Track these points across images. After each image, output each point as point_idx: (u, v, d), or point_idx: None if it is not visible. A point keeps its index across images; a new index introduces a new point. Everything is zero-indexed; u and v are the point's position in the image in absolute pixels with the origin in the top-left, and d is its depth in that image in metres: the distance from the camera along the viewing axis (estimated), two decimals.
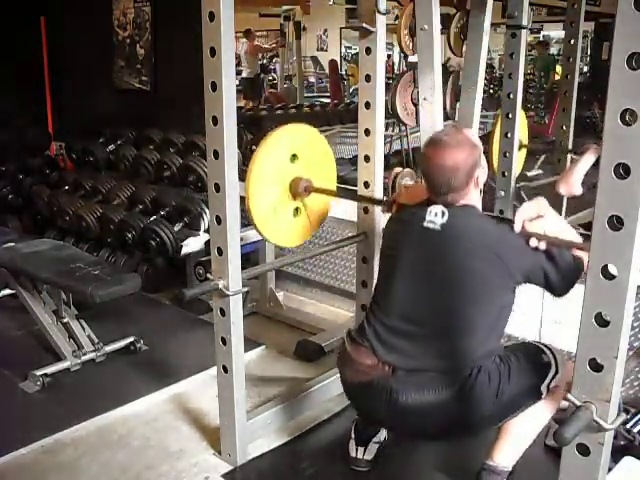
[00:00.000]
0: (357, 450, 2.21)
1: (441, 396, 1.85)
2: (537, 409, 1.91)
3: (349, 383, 2.04)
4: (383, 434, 2.27)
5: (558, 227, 1.85)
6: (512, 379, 1.86)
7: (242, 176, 2.09)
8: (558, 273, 1.82)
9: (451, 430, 1.93)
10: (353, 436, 2.23)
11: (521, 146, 3.63)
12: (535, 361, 1.91)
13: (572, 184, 2.93)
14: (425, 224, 1.90)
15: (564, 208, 3.61)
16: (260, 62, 9.62)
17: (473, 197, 1.93)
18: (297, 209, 2.38)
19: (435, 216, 1.89)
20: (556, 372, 1.89)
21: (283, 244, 2.41)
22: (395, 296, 1.96)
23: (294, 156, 2.31)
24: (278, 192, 2.29)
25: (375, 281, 2.28)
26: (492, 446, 2.01)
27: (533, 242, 1.81)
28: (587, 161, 2.82)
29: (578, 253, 1.82)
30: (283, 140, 2.31)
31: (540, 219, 1.85)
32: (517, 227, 1.84)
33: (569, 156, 3.69)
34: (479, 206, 1.97)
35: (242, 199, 2.09)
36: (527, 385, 1.88)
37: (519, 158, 3.63)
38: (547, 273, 1.83)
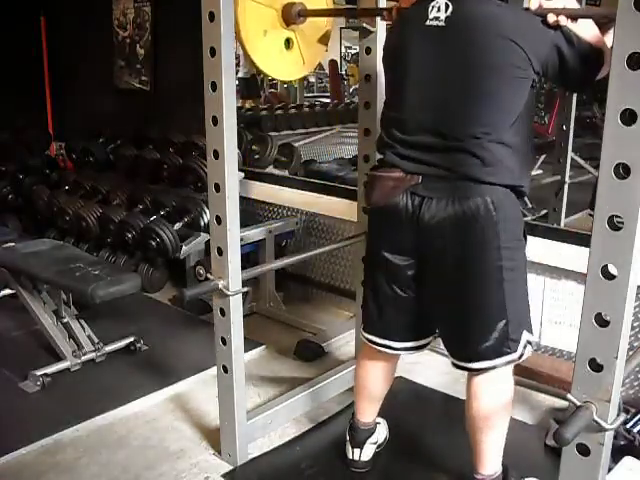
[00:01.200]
0: (353, 452, 2.20)
1: (471, 206, 1.73)
2: (498, 417, 1.89)
3: (378, 209, 1.91)
4: (380, 435, 2.26)
5: (578, 7, 1.72)
6: (522, 281, 1.83)
7: (243, 186, 2.04)
8: (576, 56, 1.68)
9: (466, 271, 1.80)
10: (348, 438, 2.22)
11: None
12: (528, 309, 1.88)
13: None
14: (428, 22, 1.74)
15: (564, 208, 3.62)
16: None
17: None
18: (289, 40, 2.26)
19: (438, 11, 1.72)
20: (532, 343, 1.86)
21: (276, 75, 2.32)
22: (409, 109, 1.82)
23: None
24: (269, 14, 2.16)
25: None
26: (473, 461, 1.97)
27: (551, 17, 1.66)
28: None
29: (598, 42, 1.69)
30: None
31: None
32: (534, 5, 1.70)
33: (569, 156, 3.68)
34: None
35: (242, 199, 2.09)
36: (524, 304, 1.85)
37: None
38: (564, 55, 1.68)
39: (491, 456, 1.95)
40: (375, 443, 2.23)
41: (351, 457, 2.21)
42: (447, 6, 1.72)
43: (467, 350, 1.88)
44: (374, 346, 2.05)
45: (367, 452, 2.21)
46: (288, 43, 2.27)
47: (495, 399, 1.89)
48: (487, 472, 1.95)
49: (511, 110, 1.74)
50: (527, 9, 1.72)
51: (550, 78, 1.77)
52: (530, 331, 1.88)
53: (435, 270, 1.87)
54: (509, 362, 1.84)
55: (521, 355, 1.84)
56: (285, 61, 2.30)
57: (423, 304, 1.94)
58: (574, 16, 1.69)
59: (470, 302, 1.83)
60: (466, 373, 1.94)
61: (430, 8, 1.75)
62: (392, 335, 2.02)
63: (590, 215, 3.26)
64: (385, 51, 1.98)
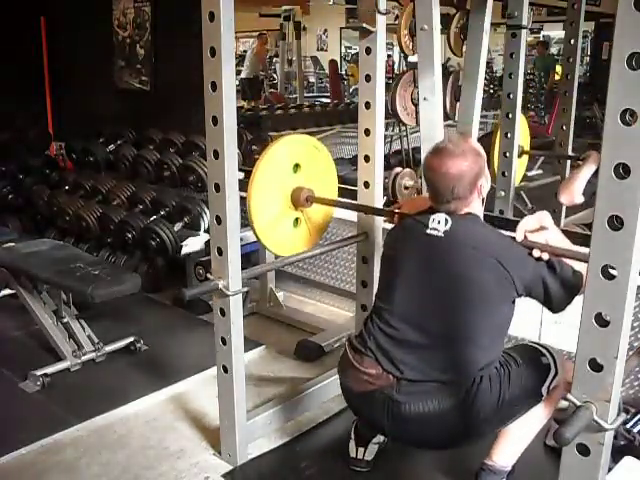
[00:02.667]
0: (357, 451, 2.21)
1: (444, 406, 1.85)
2: (536, 410, 1.92)
3: (351, 392, 2.04)
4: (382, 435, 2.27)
5: (560, 240, 1.86)
6: (513, 384, 1.86)
7: (243, 186, 2.10)
8: (558, 285, 1.83)
9: (453, 438, 1.92)
10: (353, 437, 2.23)
11: (522, 152, 3.63)
12: (535, 363, 1.91)
13: (574, 193, 2.94)
14: (428, 231, 1.91)
15: (564, 208, 3.61)
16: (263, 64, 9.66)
17: (476, 206, 1.94)
18: (297, 220, 2.41)
19: (438, 224, 1.90)
20: (556, 373, 1.89)
21: (283, 254, 2.43)
22: (397, 305, 1.95)
23: (297, 166, 2.35)
24: (280, 201, 2.32)
25: (375, 283, 2.31)
26: (491, 446, 2.01)
27: (536, 252, 1.83)
28: (588, 169, 2.82)
29: (578, 267, 1.82)
30: (286, 150, 2.35)
31: (542, 231, 1.87)
32: (519, 237, 1.86)
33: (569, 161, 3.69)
34: (481, 215, 1.98)
35: (242, 199, 2.09)
36: (528, 388, 1.88)
37: (520, 164, 3.63)
38: (547, 284, 1.83)
39: (511, 450, 1.99)
40: (378, 443, 2.24)
41: (354, 456, 2.22)
42: (447, 221, 1.89)
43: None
44: None
45: (370, 451, 2.22)
46: (296, 221, 2.42)
47: (531, 426, 1.96)
48: (500, 462, 1.99)
49: (492, 322, 1.88)
50: (513, 239, 1.87)
51: (533, 298, 1.89)
52: (545, 378, 1.90)
53: (416, 442, 2.04)
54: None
55: (546, 396, 1.90)
56: (294, 238, 2.44)
57: None
58: (556, 254, 1.83)
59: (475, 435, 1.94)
60: None
61: (431, 220, 1.92)
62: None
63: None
64: (385, 247, 2.13)
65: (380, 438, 2.24)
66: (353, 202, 2.57)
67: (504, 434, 1.97)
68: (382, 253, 2.15)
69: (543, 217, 1.89)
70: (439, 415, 1.86)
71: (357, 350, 2.00)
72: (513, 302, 1.89)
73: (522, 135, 3.58)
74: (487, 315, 1.86)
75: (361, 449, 2.21)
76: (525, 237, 1.86)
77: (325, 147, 2.56)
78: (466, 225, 1.90)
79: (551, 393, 1.90)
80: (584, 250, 1.78)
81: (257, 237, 2.31)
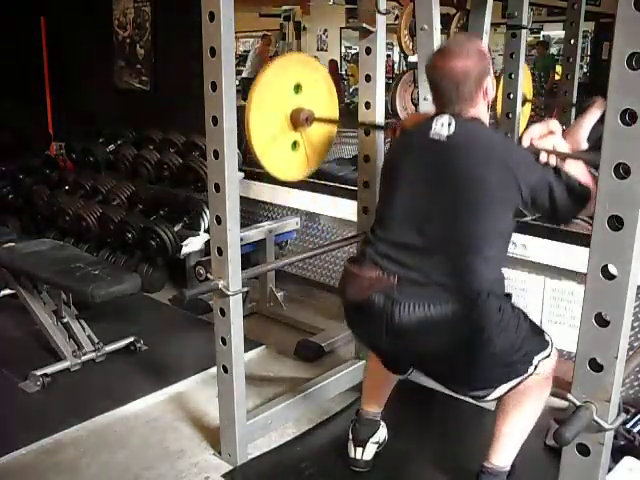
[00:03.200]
0: (355, 451, 2.21)
1: (446, 311, 1.75)
2: (526, 405, 1.91)
3: (351, 303, 1.94)
4: (381, 435, 2.27)
5: (572, 138, 1.81)
6: (519, 326, 1.83)
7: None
8: (565, 193, 1.76)
9: (450, 355, 1.82)
10: (351, 437, 2.23)
11: (525, 101, 3.58)
12: (539, 332, 1.90)
13: (578, 140, 2.87)
14: (431, 135, 1.83)
15: None
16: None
17: (481, 110, 1.86)
18: (296, 142, 2.34)
19: (442, 126, 1.82)
20: (549, 355, 1.87)
21: (281, 176, 2.37)
22: (397, 209, 1.88)
23: (297, 87, 2.29)
24: (278, 120, 2.25)
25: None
26: (487, 448, 2.00)
27: (543, 156, 1.76)
28: (592, 116, 2.76)
29: (586, 181, 1.76)
30: (288, 68, 2.28)
31: (550, 136, 1.80)
32: (526, 142, 1.80)
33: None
34: (486, 121, 1.91)
35: (242, 199, 2.09)
36: (527, 342, 1.85)
37: (524, 113, 3.56)
38: (553, 190, 1.76)
39: (507, 450, 1.98)
40: (377, 443, 2.24)
41: (353, 456, 2.21)
42: (450, 124, 1.81)
43: (474, 395, 1.93)
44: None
45: (369, 451, 2.22)
46: (295, 145, 2.36)
47: (523, 405, 1.93)
48: (498, 463, 1.98)
49: (494, 227, 1.81)
50: (519, 144, 1.83)
51: (537, 209, 1.83)
52: (541, 350, 1.88)
53: (418, 361, 1.99)
54: (520, 382, 1.86)
55: (533, 371, 1.86)
56: (292, 163, 2.39)
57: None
58: (563, 157, 1.78)
59: (466, 374, 1.87)
60: None
61: (435, 122, 1.84)
62: (393, 372, 2.18)
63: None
64: (386, 157, 2.08)
65: (378, 438, 2.24)
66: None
67: (498, 434, 1.96)
68: (384, 162, 2.07)
69: (551, 123, 1.83)
70: (440, 322, 1.76)
71: (356, 261, 1.95)
72: (516, 210, 1.80)
73: (525, 85, 3.53)
74: (490, 220, 1.80)
75: (359, 449, 2.21)
76: (532, 144, 1.80)
77: (326, 69, 2.50)
78: (471, 127, 1.83)
79: (541, 385, 1.89)
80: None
81: (256, 158, 2.23)
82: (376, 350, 2.10)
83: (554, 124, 1.84)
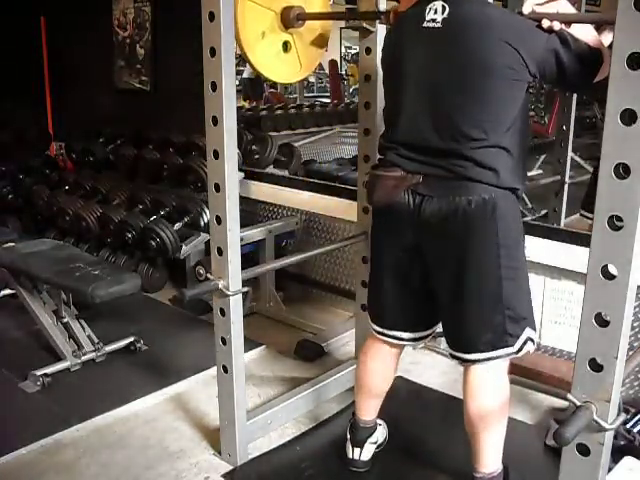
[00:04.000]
0: (353, 451, 2.20)
1: (470, 203, 1.75)
2: (494, 416, 1.89)
3: (380, 205, 1.94)
4: (380, 435, 2.26)
5: (573, 11, 1.74)
6: (523, 272, 1.85)
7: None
8: (573, 59, 1.68)
9: (462, 266, 1.81)
10: (349, 437, 2.22)
11: None
12: (531, 307, 1.91)
13: None
14: (425, 24, 1.76)
15: (564, 208, 3.62)
16: None
17: None
18: (287, 43, 2.28)
19: (435, 13, 1.74)
20: (534, 340, 1.88)
21: (271, 76, 2.33)
22: (408, 111, 1.84)
23: None
24: (268, 17, 2.19)
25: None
26: (472, 458, 1.97)
27: (545, 22, 1.68)
28: None
29: (595, 43, 1.70)
30: None
31: (553, 2, 1.72)
32: (527, 9, 1.71)
33: (569, 156, 3.69)
34: None
35: (242, 199, 2.09)
36: (524, 303, 1.87)
37: None
38: (560, 58, 1.68)
39: (490, 454, 1.95)
40: (375, 443, 2.24)
41: (351, 456, 2.21)
42: (444, 8, 1.74)
43: (465, 341, 1.89)
44: (383, 337, 2.08)
45: (367, 452, 2.21)
46: (286, 46, 2.29)
47: (491, 397, 1.90)
48: (486, 470, 1.95)
49: (507, 113, 1.75)
50: (520, 13, 1.73)
51: (548, 80, 1.78)
52: (533, 328, 1.89)
53: (436, 265, 1.90)
54: (506, 355, 1.86)
55: (519, 350, 1.85)
56: (282, 64, 2.32)
57: (426, 297, 1.97)
58: (568, 21, 1.70)
59: (469, 296, 1.84)
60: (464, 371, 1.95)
61: (427, 10, 1.77)
62: (399, 326, 2.05)
63: (582, 216, 3.22)
64: (383, 53, 2.00)
65: (376, 438, 2.23)
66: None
67: (476, 442, 1.93)
68: (382, 59, 2.02)
69: None
70: (464, 216, 1.76)
71: (378, 166, 1.96)
72: (528, 90, 1.75)
73: None
74: (500, 105, 1.74)
75: (357, 449, 2.20)
76: (533, 10, 1.71)
77: None
78: (466, 8, 1.74)
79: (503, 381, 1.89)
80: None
81: (242, 52, 2.17)
82: (395, 262, 1.99)
83: None
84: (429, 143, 1.80)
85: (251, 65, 2.25)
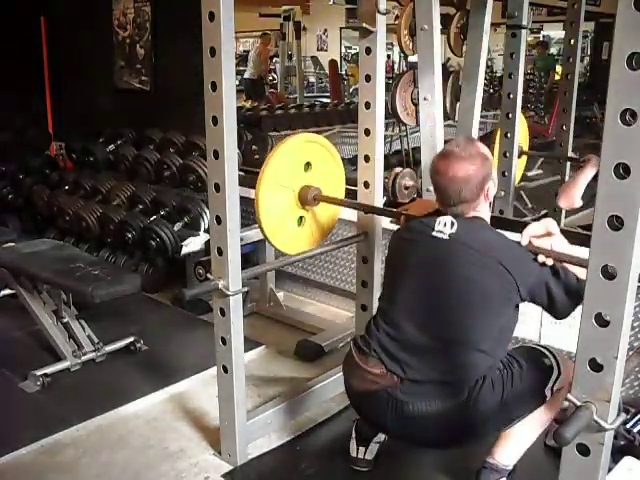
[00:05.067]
0: (358, 450, 2.21)
1: (447, 406, 1.86)
2: (540, 411, 1.92)
3: (355, 391, 2.04)
4: (382, 435, 2.26)
5: (565, 247, 1.86)
6: (515, 385, 1.87)
7: (243, 184, 2.10)
8: (562, 292, 1.82)
9: (455, 438, 1.94)
10: (354, 436, 2.23)
11: (521, 153, 3.62)
12: (538, 365, 1.91)
13: (573, 197, 2.95)
14: (434, 234, 1.91)
15: (564, 209, 3.61)
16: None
17: (483, 209, 1.95)
18: (302, 218, 2.43)
19: (444, 226, 1.90)
20: (559, 374, 1.89)
21: (287, 251, 2.44)
22: (399, 305, 1.96)
23: (307, 164, 2.38)
24: (287, 198, 2.34)
25: (375, 283, 2.33)
26: (494, 444, 2.01)
27: (540, 258, 1.83)
28: (588, 174, 2.83)
29: (583, 276, 1.81)
30: (299, 147, 2.38)
31: (547, 237, 1.86)
32: (524, 241, 1.86)
33: (569, 156, 3.69)
34: (488, 219, 1.99)
35: (242, 199, 2.09)
36: (531, 390, 1.88)
37: (519, 164, 3.62)
38: (551, 290, 1.83)
39: (515, 448, 2.00)
40: (379, 442, 2.24)
41: (355, 455, 2.22)
42: (452, 224, 1.90)
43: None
44: None
45: (372, 451, 2.23)
46: (301, 220, 2.44)
47: (534, 429, 1.98)
48: (503, 461, 2.00)
49: (494, 327, 1.88)
50: (518, 244, 1.87)
51: (537, 304, 1.89)
52: (548, 378, 1.90)
53: (417, 443, 2.07)
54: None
55: (550, 396, 1.90)
56: (297, 237, 2.45)
57: None
58: (561, 261, 1.83)
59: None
60: None
61: (437, 222, 1.92)
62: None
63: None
64: (391, 245, 2.12)
65: (381, 437, 2.24)
66: (360, 203, 2.57)
67: (507, 433, 1.97)
68: (387, 255, 2.15)
69: (549, 224, 1.89)
70: (442, 415, 1.87)
71: (362, 350, 2.00)
72: (516, 307, 1.89)
73: (521, 135, 3.58)
74: (490, 318, 1.87)
75: (362, 448, 2.21)
76: (530, 242, 1.86)
77: (335, 150, 2.57)
78: (472, 228, 1.90)
79: (555, 394, 1.89)
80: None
81: (263, 233, 2.32)
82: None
83: (551, 224, 1.89)
84: (413, 341, 1.90)
85: (271, 244, 2.40)
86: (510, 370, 1.88)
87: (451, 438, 1.94)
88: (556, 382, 1.88)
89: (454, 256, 1.88)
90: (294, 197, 2.38)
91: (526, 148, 3.73)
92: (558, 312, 1.88)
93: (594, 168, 2.64)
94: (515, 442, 1.98)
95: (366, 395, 1.98)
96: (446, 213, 1.92)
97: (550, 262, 1.83)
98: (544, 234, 1.87)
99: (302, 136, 2.48)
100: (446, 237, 1.89)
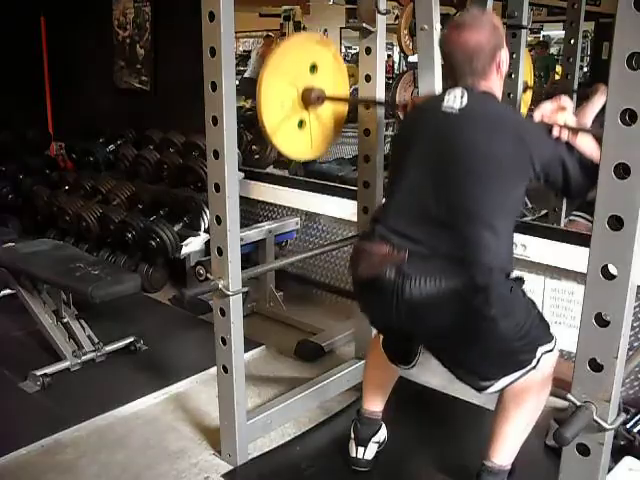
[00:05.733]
0: (357, 450, 2.21)
1: (456, 285, 1.74)
2: (527, 404, 1.92)
3: (363, 280, 1.91)
4: (382, 435, 2.27)
5: (579, 120, 1.81)
6: (528, 312, 1.85)
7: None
8: (577, 168, 1.75)
9: (456, 334, 1.81)
10: (352, 436, 2.23)
11: (526, 88, 3.58)
12: (545, 324, 1.91)
13: (584, 122, 2.88)
14: (443, 108, 1.83)
15: (564, 207, 3.61)
16: None
17: (495, 85, 1.87)
18: (302, 122, 2.33)
19: (454, 99, 1.81)
20: (552, 349, 1.88)
21: (289, 154, 2.38)
22: (408, 185, 1.87)
23: (314, 67, 2.31)
24: (291, 95, 2.27)
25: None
26: (488, 446, 1.99)
27: (555, 131, 1.77)
28: (596, 104, 2.77)
29: (598, 156, 1.78)
30: (305, 44, 2.31)
31: (561, 112, 1.81)
32: (537, 117, 1.81)
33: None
34: (499, 96, 1.91)
35: (242, 199, 2.09)
36: (533, 331, 1.85)
37: (524, 100, 3.57)
38: (566, 166, 1.75)
39: (509, 448, 1.97)
40: (378, 442, 2.24)
41: (354, 455, 2.21)
42: (462, 94, 1.81)
43: (477, 385, 1.91)
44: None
45: (370, 451, 2.22)
46: (301, 124, 2.34)
47: (524, 403, 1.93)
48: (499, 462, 1.97)
49: (505, 201, 1.81)
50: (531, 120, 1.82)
51: (549, 185, 1.82)
52: (547, 342, 1.88)
53: (429, 342, 1.97)
54: (524, 374, 1.86)
55: (536, 364, 1.85)
56: (297, 141, 2.36)
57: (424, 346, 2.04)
58: (575, 132, 1.77)
59: (472, 364, 1.89)
60: None
61: (446, 95, 1.84)
62: (399, 362, 2.15)
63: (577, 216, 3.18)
64: (398, 131, 2.08)
65: (380, 437, 2.24)
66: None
67: (498, 432, 1.96)
68: (394, 135, 2.09)
69: (562, 100, 1.83)
70: (450, 298, 1.75)
71: (366, 237, 1.95)
72: (527, 184, 1.81)
73: (526, 69, 3.54)
74: (501, 193, 1.79)
75: (361, 448, 2.21)
76: (542, 118, 1.80)
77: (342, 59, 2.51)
78: (483, 101, 1.83)
79: (541, 385, 1.90)
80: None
81: (264, 130, 2.23)
82: (386, 330, 2.09)
83: (565, 100, 1.83)
84: (422, 219, 1.82)
85: (266, 135, 2.27)
86: (529, 300, 1.87)
87: (454, 333, 1.81)
88: (547, 354, 1.85)
89: (466, 129, 1.80)
90: (297, 96, 2.28)
91: (531, 83, 3.72)
92: (573, 191, 1.81)
93: (602, 96, 2.55)
94: (509, 441, 1.96)
95: (373, 283, 1.84)
96: (457, 87, 1.84)
97: (565, 136, 1.76)
98: (557, 110, 1.81)
99: (312, 35, 2.35)
100: (456, 111, 1.80)
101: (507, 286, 1.79)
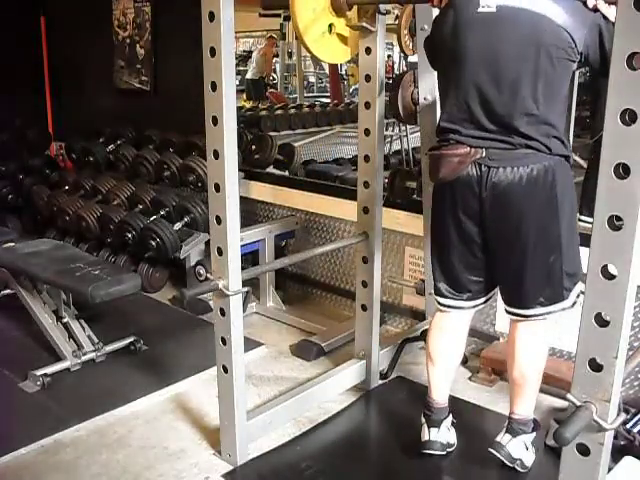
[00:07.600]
0: (430, 432, 2.23)
1: (531, 170, 1.91)
2: (541, 361, 2.12)
3: (445, 181, 2.05)
4: (451, 426, 2.30)
5: None
6: (573, 210, 2.03)
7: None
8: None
9: (529, 228, 1.97)
10: (424, 421, 2.26)
11: None
12: (580, 261, 2.05)
13: None
14: (480, 9, 1.89)
15: None
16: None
17: None
18: (331, 26, 2.36)
19: None
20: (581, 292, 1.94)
21: (315, 52, 2.40)
22: (468, 91, 1.96)
23: None
24: (320, 2, 2.28)
25: (376, 283, 2.36)
26: (511, 403, 2.17)
27: (591, 1, 1.83)
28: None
29: None
30: None
31: None
32: None
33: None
34: None
35: (242, 199, 2.09)
36: (576, 249, 2.02)
37: None
38: (603, 35, 1.82)
39: (530, 401, 2.16)
40: (449, 429, 2.28)
41: (427, 438, 2.23)
42: None
43: (524, 297, 2.06)
44: (448, 309, 2.21)
45: (443, 433, 2.24)
46: (330, 28, 2.36)
47: (540, 351, 2.13)
48: (524, 413, 2.16)
49: (558, 91, 1.93)
50: None
51: (590, 62, 1.89)
52: (584, 281, 1.92)
53: (500, 228, 2.03)
54: (562, 309, 2.02)
55: (574, 304, 2.00)
56: (325, 43, 2.37)
57: (488, 262, 2.11)
58: (611, 1, 1.80)
59: (532, 253, 1.99)
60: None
61: None
62: (462, 295, 2.19)
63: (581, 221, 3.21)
64: (435, 38, 2.10)
65: (448, 424, 2.28)
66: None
67: (516, 386, 2.13)
68: (431, 42, 2.16)
69: None
70: (526, 182, 1.92)
71: (443, 144, 2.04)
72: (575, 69, 1.95)
73: None
74: (553, 84, 1.89)
75: (434, 430, 2.24)
76: None
77: None
78: None
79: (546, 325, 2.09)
80: None
81: (296, 27, 2.27)
82: (459, 233, 2.10)
83: None
84: (489, 120, 1.94)
85: (298, 35, 2.31)
86: (572, 189, 2.02)
87: (524, 237, 1.98)
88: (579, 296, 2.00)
89: (506, 26, 1.87)
90: (327, 3, 2.29)
91: None
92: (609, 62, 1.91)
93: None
94: (530, 395, 2.14)
95: (455, 183, 2.01)
96: None
97: (602, 4, 1.82)
98: None
99: None
100: (493, 9, 1.87)
101: (566, 168, 1.96)
